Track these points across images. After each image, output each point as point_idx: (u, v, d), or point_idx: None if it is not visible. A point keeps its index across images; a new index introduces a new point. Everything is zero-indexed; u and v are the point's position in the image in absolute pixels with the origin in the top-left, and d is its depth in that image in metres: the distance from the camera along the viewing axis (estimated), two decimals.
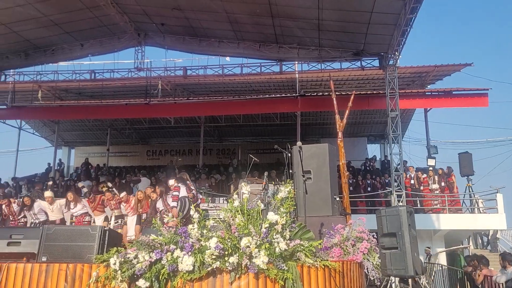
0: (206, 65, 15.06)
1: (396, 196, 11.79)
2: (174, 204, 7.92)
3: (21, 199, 10.14)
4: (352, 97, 10.77)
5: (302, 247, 4.56)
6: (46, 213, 9.66)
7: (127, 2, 12.06)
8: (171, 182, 8.56)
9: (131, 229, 9.35)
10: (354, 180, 14.91)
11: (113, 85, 16.21)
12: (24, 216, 9.86)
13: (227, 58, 14.79)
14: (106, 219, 9.63)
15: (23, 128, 21.26)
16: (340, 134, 10.15)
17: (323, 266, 4.54)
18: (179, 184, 8.30)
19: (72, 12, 12.08)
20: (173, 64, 15.53)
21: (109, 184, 11.03)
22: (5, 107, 16.55)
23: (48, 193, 9.80)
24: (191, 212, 4.90)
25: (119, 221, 9.58)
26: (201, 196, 9.45)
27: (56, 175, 19.33)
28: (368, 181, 14.98)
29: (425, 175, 14.43)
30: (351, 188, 14.18)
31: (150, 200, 9.10)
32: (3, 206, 9.82)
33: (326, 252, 5.28)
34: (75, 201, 9.46)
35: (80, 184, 12.21)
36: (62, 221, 9.64)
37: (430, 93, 15.10)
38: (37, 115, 18.18)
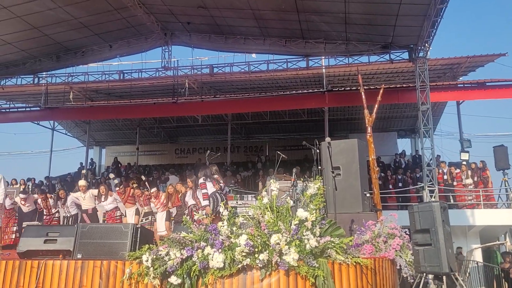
0: (232, 63, 15.07)
1: (428, 191, 11.53)
2: (206, 202, 7.77)
3: (56, 194, 10.48)
4: (381, 91, 10.58)
5: (332, 244, 4.51)
6: (77, 207, 9.95)
7: (154, 2, 12.20)
8: (200, 180, 8.40)
9: (161, 225, 9.47)
10: (384, 175, 14.66)
11: (141, 85, 16.46)
12: (58, 212, 10.21)
13: (253, 55, 14.80)
14: (137, 212, 9.77)
15: (56, 129, 21.95)
16: (369, 129, 10.00)
17: (354, 263, 4.48)
18: (204, 181, 8.06)
19: (100, 14, 12.32)
20: (199, 62, 15.66)
21: (143, 177, 11.27)
22: (38, 108, 17.09)
23: (82, 182, 10.07)
24: (221, 209, 4.93)
25: (149, 218, 9.72)
26: (227, 189, 9.19)
27: (88, 174, 19.85)
28: (399, 177, 14.69)
29: (458, 170, 14.04)
30: (380, 183, 13.98)
31: (180, 194, 9.22)
32: (39, 201, 10.18)
33: (357, 249, 5.20)
34: (107, 195, 9.72)
35: (111, 175, 12.44)
36: (94, 210, 9.87)
37: (462, 85, 14.68)
38: (69, 116, 18.69)
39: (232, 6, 11.76)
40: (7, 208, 9.75)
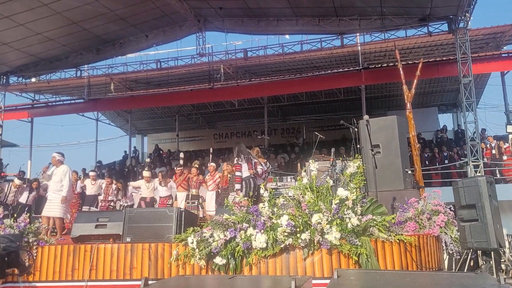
0: (266, 45, 14.99)
1: (472, 167, 11.17)
2: (238, 186, 7.58)
3: (122, 183, 11.06)
4: (420, 66, 10.25)
5: (374, 222, 4.51)
6: (133, 198, 10.47)
7: None
8: (235, 161, 7.98)
9: (210, 204, 9.71)
10: (431, 154, 14.31)
11: (178, 72, 16.70)
12: (113, 201, 10.74)
13: (287, 36, 14.64)
14: (187, 197, 10.13)
15: (100, 119, 22.76)
16: (408, 105, 9.74)
17: (397, 241, 4.46)
18: (240, 162, 7.72)
19: (135, 5, 12.54)
20: (233, 47, 15.66)
21: (211, 149, 11.67)
22: (82, 100, 17.74)
23: (146, 173, 10.49)
24: (261, 191, 5.01)
25: (195, 202, 10.01)
26: (265, 167, 8.92)
27: (132, 162, 20.52)
28: (445, 153, 14.29)
29: (507, 144, 13.45)
30: (426, 162, 13.67)
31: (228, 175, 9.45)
32: (103, 185, 10.73)
33: (400, 226, 5.17)
34: (165, 180, 10.12)
35: (181, 155, 12.86)
36: (152, 199, 10.30)
37: (506, 55, 13.97)
38: (111, 106, 19.31)
39: None
40: (76, 191, 10.42)
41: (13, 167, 15.66)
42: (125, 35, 14.47)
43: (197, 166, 10.75)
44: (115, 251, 5.14)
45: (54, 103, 18.82)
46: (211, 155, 11.55)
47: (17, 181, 10.50)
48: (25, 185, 10.54)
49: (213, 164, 10.38)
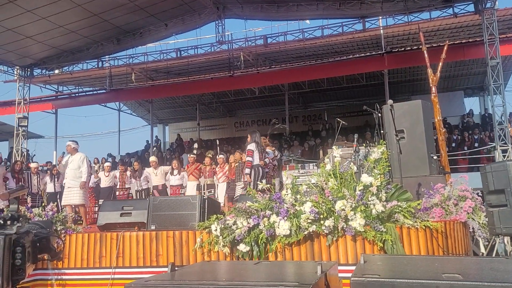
0: (286, 31, 14.83)
1: (500, 151, 10.88)
2: (247, 171, 7.73)
3: (132, 168, 11.16)
4: (445, 48, 9.97)
5: (400, 208, 4.44)
6: (148, 182, 10.53)
7: None
8: (249, 146, 8.02)
9: (220, 196, 9.76)
10: (459, 137, 14.00)
11: (198, 61, 16.72)
12: (130, 188, 10.84)
13: (307, 21, 14.44)
14: (198, 187, 10.17)
15: (122, 109, 23.06)
16: (433, 89, 9.52)
17: (423, 227, 4.39)
18: (253, 149, 7.81)
19: None
20: (253, 34, 15.57)
21: (217, 141, 11.69)
22: (104, 91, 17.98)
23: (152, 158, 10.60)
24: (283, 179, 4.99)
25: (212, 191, 10.05)
26: (272, 155, 8.95)
27: (150, 153, 20.76)
28: (476, 137, 13.96)
29: None
30: (453, 145, 13.38)
31: (236, 165, 9.44)
32: (117, 174, 10.86)
33: (426, 212, 5.07)
34: (178, 169, 10.18)
35: (195, 145, 13.01)
36: (163, 186, 10.38)
37: None
38: (133, 96, 19.52)
39: None
40: (90, 186, 10.53)
41: (39, 157, 16.09)
42: (144, 25, 14.52)
43: (211, 156, 10.76)
44: (140, 238, 5.22)
45: (77, 94, 19.14)
46: (218, 147, 11.51)
47: (33, 165, 10.77)
48: (46, 172, 10.78)
49: (221, 156, 10.36)
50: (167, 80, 17.51)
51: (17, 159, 13.20)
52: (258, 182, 6.08)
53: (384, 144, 5.57)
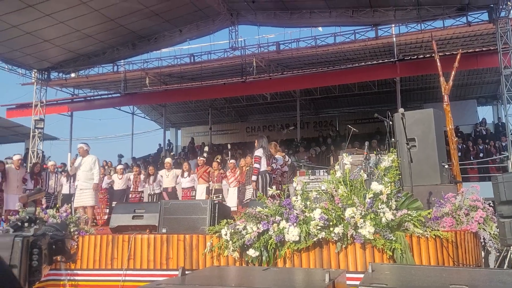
0: (299, 38, 14.92)
1: None
2: (254, 178, 7.75)
3: (146, 172, 11.27)
4: (458, 57, 9.91)
5: (410, 217, 4.44)
6: (161, 186, 10.63)
7: None
8: (256, 153, 8.03)
9: (232, 200, 9.79)
10: (463, 146, 13.87)
11: (211, 66, 16.87)
12: (142, 191, 10.93)
13: (320, 29, 14.53)
14: (208, 190, 10.22)
15: (136, 113, 23.31)
16: (446, 98, 9.46)
17: (434, 236, 4.38)
18: (260, 154, 7.82)
19: (169, 0, 12.73)
20: (266, 40, 15.68)
21: (229, 145, 11.66)
22: (119, 95, 18.21)
23: (168, 159, 10.69)
24: (294, 185, 5.02)
25: (220, 196, 10.09)
26: (281, 161, 9.02)
27: (166, 155, 20.92)
28: (480, 147, 13.83)
29: None
30: (459, 154, 13.26)
31: (247, 169, 9.48)
32: (131, 177, 10.95)
33: (437, 222, 5.06)
34: (189, 172, 10.26)
35: (206, 148, 13.10)
36: (173, 189, 10.46)
37: None
38: (146, 100, 19.75)
39: None
40: (103, 187, 10.65)
41: (54, 159, 16.28)
42: (159, 30, 14.73)
43: (219, 161, 10.82)
44: (151, 241, 5.29)
45: (92, 98, 19.42)
46: (229, 152, 11.58)
47: (50, 163, 10.97)
48: (62, 173, 10.95)
49: (232, 161, 10.42)
50: (181, 84, 17.69)
51: (37, 161, 13.43)
52: (268, 188, 6.12)
53: (395, 152, 5.58)
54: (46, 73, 16.36)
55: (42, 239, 1.75)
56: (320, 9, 13.15)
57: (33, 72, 16.22)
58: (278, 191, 5.21)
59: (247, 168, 9.63)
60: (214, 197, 9.97)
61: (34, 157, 15.26)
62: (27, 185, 9.65)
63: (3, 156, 15.20)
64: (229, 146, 12.52)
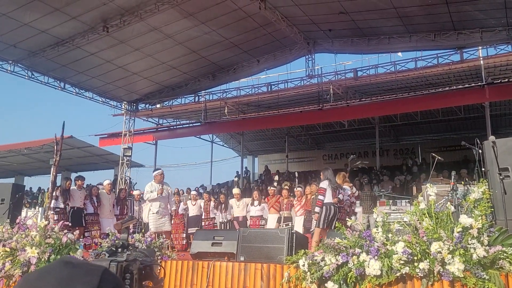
0: (377, 64, 14.64)
1: None
2: (318, 210, 7.62)
3: (217, 199, 11.53)
4: None
5: (505, 254, 4.07)
6: (232, 214, 10.81)
7: (295, 14, 12.62)
8: (321, 184, 7.90)
9: (298, 229, 9.63)
10: None
11: (288, 94, 17.07)
12: (214, 218, 11.15)
13: (399, 54, 14.14)
14: (279, 220, 10.17)
15: (215, 141, 24.16)
16: None
17: None
18: (325, 186, 7.71)
19: (248, 32, 13.23)
20: (343, 67, 15.58)
21: (296, 173, 11.63)
22: (199, 124, 19.03)
23: (236, 190, 10.87)
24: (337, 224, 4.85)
25: (289, 224, 9.98)
26: (348, 192, 8.73)
27: (244, 182, 21.30)
28: None
29: None
30: None
31: (313, 198, 9.32)
32: (202, 204, 11.24)
33: None
34: (259, 200, 10.33)
35: (276, 177, 13.19)
36: (244, 218, 10.54)
37: None
38: (225, 129, 20.43)
39: (373, 8, 11.48)
40: (179, 213, 11.05)
41: (140, 185, 17.34)
42: (238, 61, 15.29)
43: (288, 188, 10.74)
44: (229, 269, 5.35)
45: (175, 127, 20.48)
46: (297, 179, 11.45)
47: (135, 192, 11.66)
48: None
49: (299, 188, 10.27)
50: (258, 113, 18.08)
51: (123, 187, 14.33)
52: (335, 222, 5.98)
53: (486, 182, 5.19)
54: (134, 104, 17.60)
55: (134, 264, 1.86)
56: (399, 34, 12.86)
57: (123, 104, 17.53)
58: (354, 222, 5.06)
59: (313, 196, 9.50)
60: (284, 225, 9.92)
61: (122, 183, 16.31)
62: (114, 210, 10.28)
63: (95, 182, 16.48)
64: (296, 174, 12.37)
